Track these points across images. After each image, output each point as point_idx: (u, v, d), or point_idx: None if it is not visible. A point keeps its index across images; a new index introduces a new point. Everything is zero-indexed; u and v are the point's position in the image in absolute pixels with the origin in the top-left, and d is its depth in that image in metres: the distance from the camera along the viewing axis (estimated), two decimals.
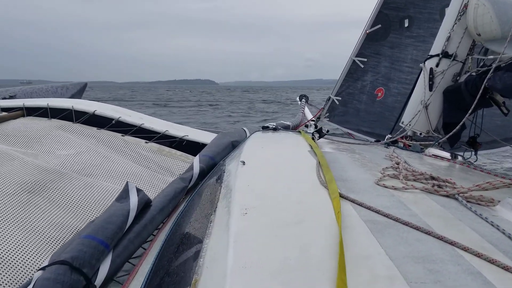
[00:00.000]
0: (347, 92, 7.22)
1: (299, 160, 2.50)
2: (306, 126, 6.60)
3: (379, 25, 6.70)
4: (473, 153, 3.89)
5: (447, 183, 2.05)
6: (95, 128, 4.35)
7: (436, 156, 3.25)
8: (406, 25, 6.59)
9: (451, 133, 3.51)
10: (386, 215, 1.56)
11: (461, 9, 3.75)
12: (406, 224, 1.49)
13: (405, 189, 1.97)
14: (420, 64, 4.07)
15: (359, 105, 7.11)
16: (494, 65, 3.26)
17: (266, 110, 32.27)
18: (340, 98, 7.30)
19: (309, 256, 1.24)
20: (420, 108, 3.91)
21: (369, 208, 1.63)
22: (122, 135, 4.29)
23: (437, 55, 3.88)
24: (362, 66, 6.96)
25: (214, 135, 3.91)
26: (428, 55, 4.00)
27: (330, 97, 7.44)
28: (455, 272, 1.19)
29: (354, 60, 7.02)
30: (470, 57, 3.82)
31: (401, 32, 6.55)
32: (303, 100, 8.09)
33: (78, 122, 4.43)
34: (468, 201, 1.85)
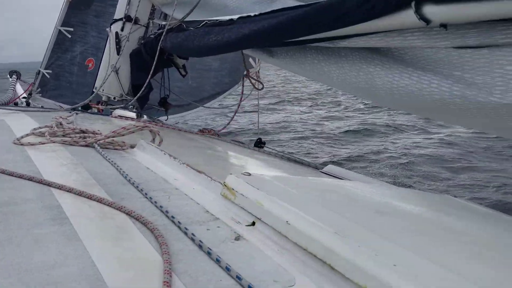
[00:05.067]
0: (57, 64, 6.74)
1: None
2: (16, 103, 6.03)
3: None
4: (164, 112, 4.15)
5: (92, 134, 2.08)
6: None
7: (121, 117, 3.32)
8: None
9: (138, 95, 3.63)
10: None
11: None
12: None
13: (42, 143, 1.90)
14: (106, 29, 4.06)
15: (71, 77, 6.75)
16: (166, 28, 3.47)
17: None
18: (50, 71, 6.78)
19: None
20: (110, 72, 3.91)
21: None
22: None
23: (121, 19, 3.93)
24: (70, 36, 6.60)
25: None
26: (113, 19, 4.01)
27: (39, 71, 6.85)
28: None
29: (60, 30, 6.58)
30: (151, 21, 3.99)
31: (104, 0, 6.43)
32: (13, 76, 7.47)
33: None
34: (104, 148, 1.91)
